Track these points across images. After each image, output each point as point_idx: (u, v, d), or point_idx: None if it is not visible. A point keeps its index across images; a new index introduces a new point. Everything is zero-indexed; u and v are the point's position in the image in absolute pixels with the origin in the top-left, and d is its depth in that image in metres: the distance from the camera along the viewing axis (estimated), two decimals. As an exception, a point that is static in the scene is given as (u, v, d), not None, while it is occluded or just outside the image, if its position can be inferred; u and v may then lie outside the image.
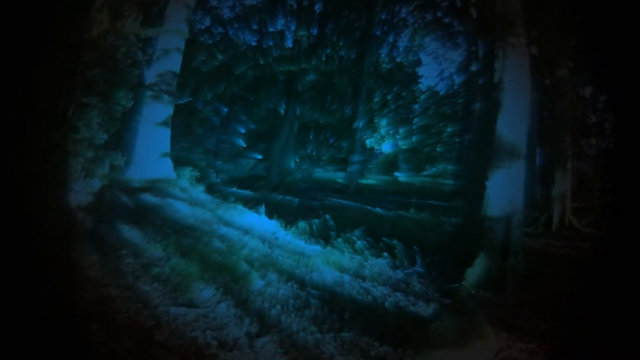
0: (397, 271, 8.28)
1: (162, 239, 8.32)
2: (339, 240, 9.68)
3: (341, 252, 9.05)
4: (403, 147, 23.47)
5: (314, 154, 22.44)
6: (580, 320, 5.80)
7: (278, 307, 6.24)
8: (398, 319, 6.20)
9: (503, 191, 8.18)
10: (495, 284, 7.40)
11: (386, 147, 23.76)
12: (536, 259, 8.47)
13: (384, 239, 9.81)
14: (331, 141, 22.53)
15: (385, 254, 8.91)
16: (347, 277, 7.75)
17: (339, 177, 20.90)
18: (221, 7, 20.22)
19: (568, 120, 12.65)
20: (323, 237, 10.11)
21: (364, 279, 7.73)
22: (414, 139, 23.34)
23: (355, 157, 19.85)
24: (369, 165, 22.94)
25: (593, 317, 5.84)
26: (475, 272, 7.61)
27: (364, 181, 20.97)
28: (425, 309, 6.60)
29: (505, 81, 8.25)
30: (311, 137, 22.33)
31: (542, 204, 12.20)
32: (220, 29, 20.22)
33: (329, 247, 9.36)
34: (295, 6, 20.24)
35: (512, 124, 8.21)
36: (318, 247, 9.39)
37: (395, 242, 9.52)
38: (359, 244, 9.51)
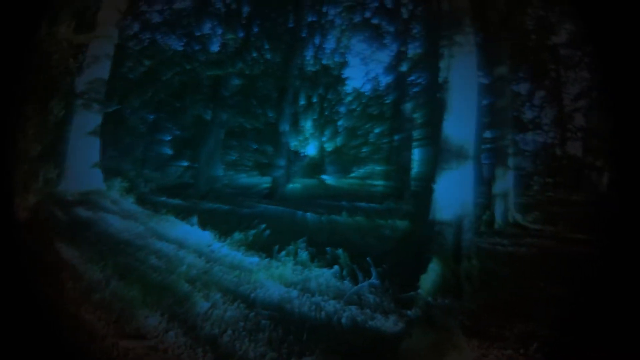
0: (345, 282, 7.84)
1: (99, 259, 7.65)
2: (282, 252, 9.16)
3: (283, 264, 8.54)
4: (328, 149, 23.33)
5: (239, 159, 21.90)
6: (545, 319, 5.67)
7: (229, 331, 5.67)
8: (360, 337, 5.77)
9: (452, 194, 7.96)
10: (452, 290, 7.13)
11: (311, 150, 23.54)
12: (488, 260, 8.33)
13: (327, 249, 9.36)
14: (255, 146, 22.08)
15: (337, 266, 8.42)
16: (294, 293, 7.26)
17: (265, 182, 20.40)
18: (150, 11, 19.54)
19: (508, 117, 12.82)
20: (261, 248, 9.61)
21: (312, 293, 7.26)
22: (339, 140, 23.27)
23: (281, 161, 19.43)
24: (295, 169, 22.52)
25: (556, 315, 5.72)
26: (429, 278, 7.28)
27: (290, 185, 20.61)
28: (385, 323, 6.19)
29: (451, 81, 8.02)
30: (236, 143, 21.69)
31: (484, 202, 12.21)
32: (148, 34, 19.63)
33: (268, 260, 8.87)
34: (223, 9, 19.88)
35: (460, 125, 7.99)
36: (256, 259, 8.93)
37: (340, 251, 9.08)
38: (302, 254, 9.03)
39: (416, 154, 19.43)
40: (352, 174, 23.06)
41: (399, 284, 7.48)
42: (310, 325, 6.01)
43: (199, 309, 6.25)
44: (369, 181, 21.89)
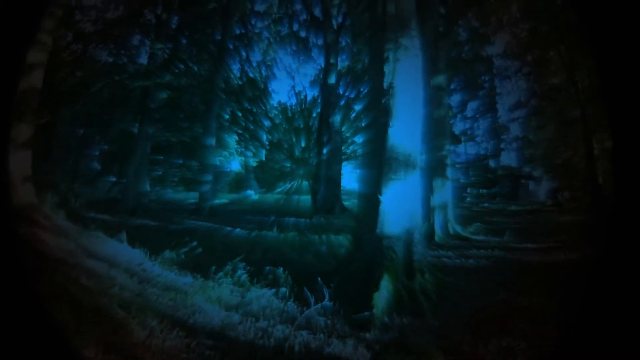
0: (289, 303, 7.25)
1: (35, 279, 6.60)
2: (218, 272, 8.52)
3: (219, 285, 7.96)
4: (254, 164, 22.90)
5: (165, 174, 21.20)
6: (519, 332, 5.34)
7: (173, 365, 4.88)
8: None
9: (400, 205, 7.56)
10: (409, 307, 6.66)
11: (236, 165, 23.05)
12: (440, 274, 7.99)
13: (266, 267, 8.75)
14: (181, 161, 21.52)
15: (283, 288, 7.81)
16: (236, 317, 6.61)
17: (192, 197, 19.96)
18: (84, 20, 18.74)
19: (446, 128, 12.78)
20: (194, 267, 8.99)
21: (256, 317, 6.63)
22: (264, 155, 22.84)
23: (206, 177, 18.91)
24: (221, 184, 21.92)
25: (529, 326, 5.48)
26: (382, 296, 6.80)
27: (217, 201, 20.10)
28: (343, 348, 5.61)
29: (397, 86, 7.67)
30: (162, 158, 21.05)
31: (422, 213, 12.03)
32: (80, 44, 18.73)
33: (202, 280, 8.27)
34: (153, 20, 19.26)
35: (406, 132, 7.65)
36: (190, 279, 8.34)
37: (280, 270, 8.48)
38: (240, 274, 8.37)
39: (345, 167, 19.44)
40: (278, 189, 22.61)
41: (351, 304, 6.95)
42: (262, 356, 5.35)
43: (135, 338, 5.48)
44: (296, 196, 21.52)
